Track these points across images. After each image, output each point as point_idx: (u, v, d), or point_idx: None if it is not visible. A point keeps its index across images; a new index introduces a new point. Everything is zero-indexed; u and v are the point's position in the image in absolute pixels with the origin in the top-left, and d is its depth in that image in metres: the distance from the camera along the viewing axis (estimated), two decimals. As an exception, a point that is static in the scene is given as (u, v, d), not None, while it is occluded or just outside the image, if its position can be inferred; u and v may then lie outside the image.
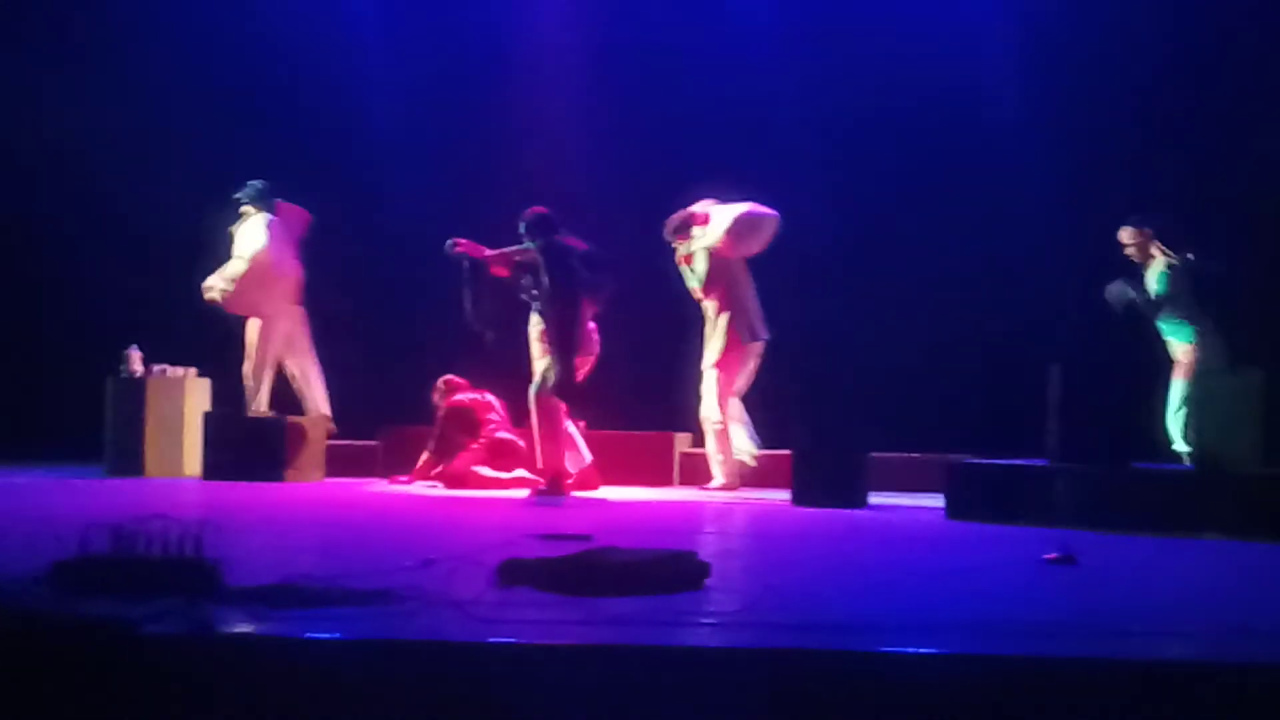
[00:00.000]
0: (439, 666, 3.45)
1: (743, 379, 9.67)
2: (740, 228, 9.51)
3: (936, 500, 8.09)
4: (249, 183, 10.32)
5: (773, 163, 11.38)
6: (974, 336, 10.98)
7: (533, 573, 4.33)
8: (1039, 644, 3.73)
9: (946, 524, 7.59)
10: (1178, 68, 10.89)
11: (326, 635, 3.55)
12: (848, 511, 8.24)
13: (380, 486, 9.66)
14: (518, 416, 9.78)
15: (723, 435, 9.54)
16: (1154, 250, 9.16)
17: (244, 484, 9.26)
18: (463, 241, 9.41)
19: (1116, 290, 9.11)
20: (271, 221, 10.26)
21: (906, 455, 9.82)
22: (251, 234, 10.21)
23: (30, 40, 11.99)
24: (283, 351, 10.31)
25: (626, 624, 3.76)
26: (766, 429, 9.97)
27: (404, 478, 9.84)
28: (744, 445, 9.63)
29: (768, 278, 10.21)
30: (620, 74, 11.82)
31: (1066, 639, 3.83)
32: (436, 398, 10.15)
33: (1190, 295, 9.06)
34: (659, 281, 10.32)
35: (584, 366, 9.35)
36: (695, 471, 10.20)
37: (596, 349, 9.44)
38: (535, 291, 9.31)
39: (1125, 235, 9.26)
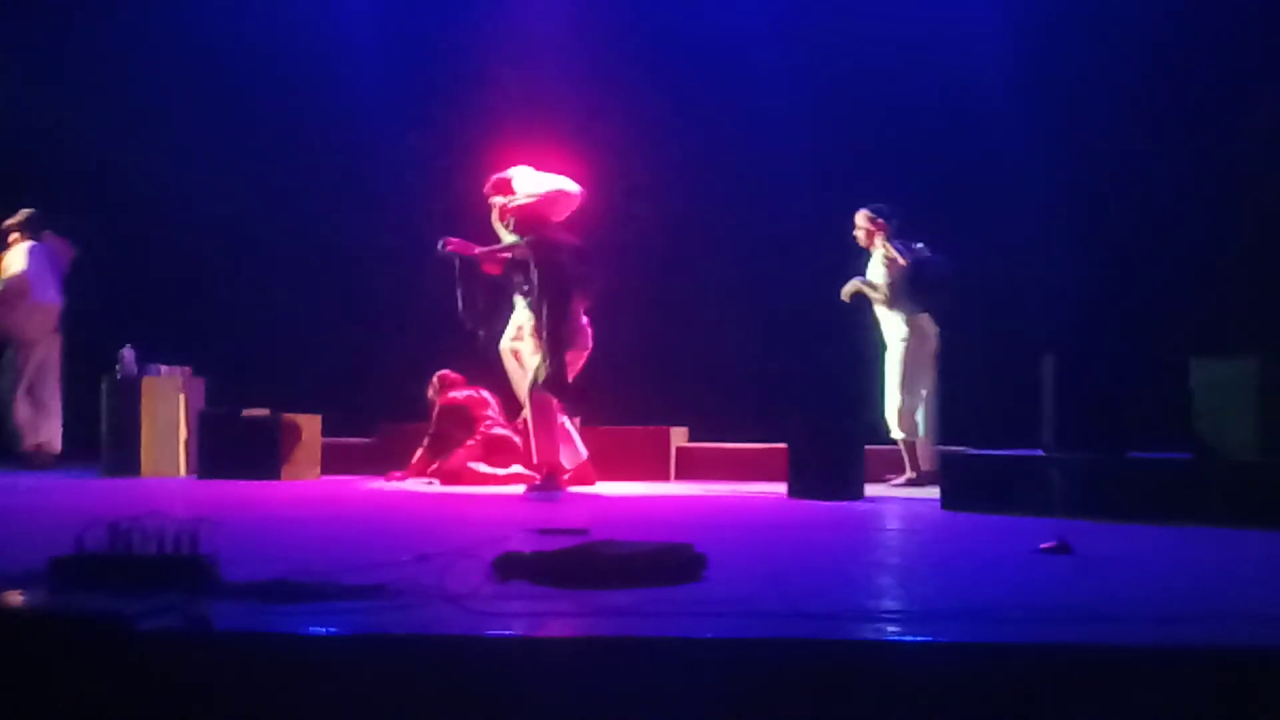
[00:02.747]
0: (436, 661, 3.44)
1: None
2: (551, 196, 9.69)
3: (932, 491, 8.09)
4: (20, 210, 10.49)
5: (764, 155, 11.40)
6: (967, 327, 10.97)
7: (529, 566, 4.33)
8: (1035, 630, 3.73)
9: (943, 515, 7.59)
10: (1170, 56, 10.89)
11: (323, 630, 3.54)
12: (844, 503, 8.25)
13: (376, 484, 9.65)
14: (512, 412, 9.77)
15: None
16: (878, 241, 9.65)
17: (240, 482, 9.25)
18: (453, 240, 9.40)
19: (850, 286, 9.67)
20: (34, 249, 10.45)
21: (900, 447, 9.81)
22: (13, 260, 10.37)
23: (16, 39, 11.96)
24: (33, 378, 10.45)
25: (624, 615, 3.75)
26: (761, 421, 9.99)
27: (399, 474, 9.84)
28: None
29: (760, 269, 10.22)
30: (613, 67, 11.82)
31: (1061, 625, 3.83)
32: (431, 394, 10.15)
33: (906, 286, 9.41)
34: (651, 274, 10.32)
35: (577, 362, 9.34)
36: (692, 465, 10.21)
37: (589, 344, 9.44)
38: (526, 288, 9.31)
39: (859, 218, 9.75)
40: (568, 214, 9.70)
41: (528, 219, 9.28)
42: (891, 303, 9.66)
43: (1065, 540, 5.47)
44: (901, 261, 9.56)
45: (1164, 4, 10.99)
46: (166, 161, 11.68)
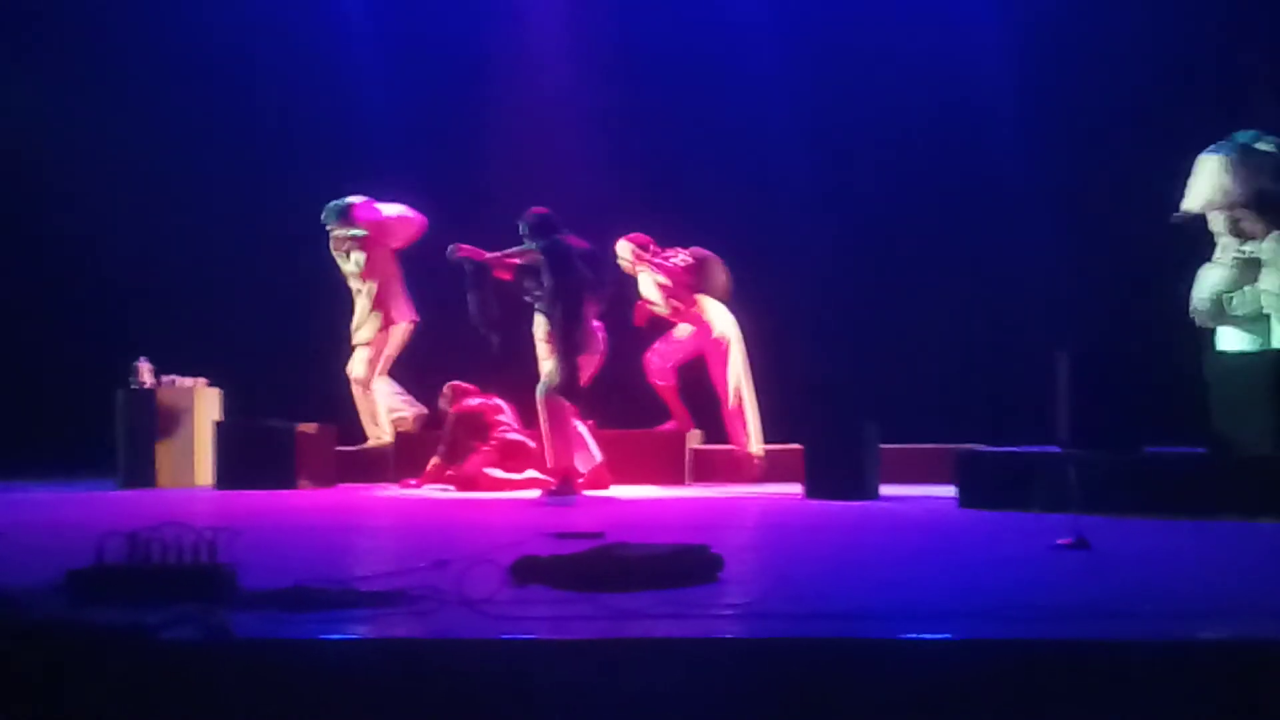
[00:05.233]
0: (455, 665, 3.45)
1: (390, 353, 10.60)
2: (391, 225, 10.50)
3: (947, 490, 8.09)
4: None
5: (772, 154, 11.41)
6: (976, 324, 10.98)
7: (546, 570, 4.34)
8: (1052, 627, 3.73)
9: (959, 513, 7.59)
10: (1175, 58, 10.86)
11: (342, 636, 3.56)
12: (860, 503, 8.25)
13: (391, 491, 9.67)
14: (526, 418, 9.79)
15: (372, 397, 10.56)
16: (641, 266, 10.07)
17: (257, 491, 9.27)
18: (464, 246, 9.42)
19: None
20: None
21: (915, 446, 9.81)
22: None
23: (31, 53, 12.01)
24: None
25: (641, 617, 3.76)
26: (774, 422, 10.00)
27: (414, 481, 9.86)
28: (397, 406, 10.60)
29: (775, 269, 10.22)
30: (618, 73, 11.83)
31: (1078, 621, 3.83)
32: (444, 403, 10.16)
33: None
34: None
35: (590, 366, 9.36)
36: (709, 468, 10.22)
37: (603, 348, 9.46)
38: (538, 293, 9.33)
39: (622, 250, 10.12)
40: (408, 242, 10.52)
41: (537, 222, 9.31)
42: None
43: (1083, 536, 5.47)
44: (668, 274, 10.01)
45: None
46: (176, 168, 11.71)
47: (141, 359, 10.21)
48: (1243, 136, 8.40)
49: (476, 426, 9.86)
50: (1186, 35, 10.86)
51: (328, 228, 10.58)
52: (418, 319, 10.67)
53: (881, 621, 3.84)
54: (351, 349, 10.65)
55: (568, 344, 9.13)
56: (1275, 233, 8.18)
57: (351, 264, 10.55)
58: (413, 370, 10.88)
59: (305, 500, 8.89)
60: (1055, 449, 7.74)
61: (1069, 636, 3.58)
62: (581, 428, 9.42)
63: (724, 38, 11.85)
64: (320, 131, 11.93)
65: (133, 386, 10.18)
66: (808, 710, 3.39)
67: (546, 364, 9.34)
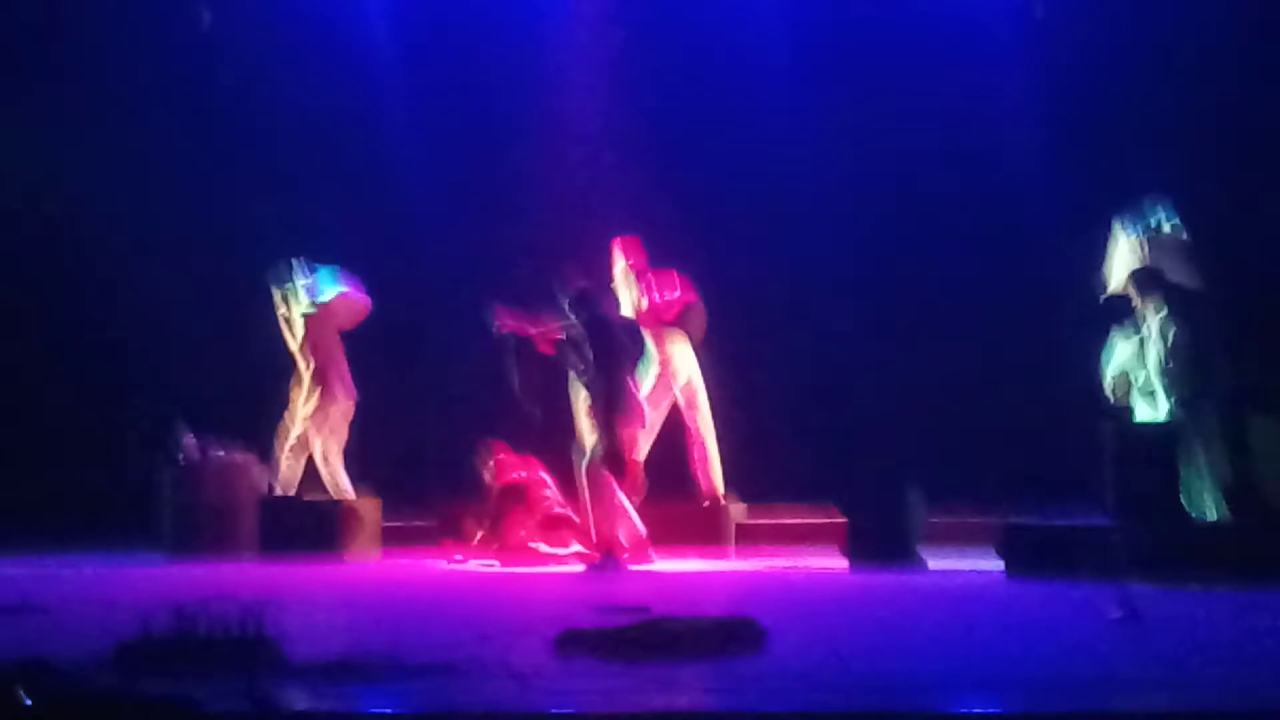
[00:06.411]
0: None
1: (336, 430, 10.34)
2: (337, 305, 10.38)
3: (987, 557, 8.06)
4: None
5: (798, 213, 11.45)
6: (1011, 388, 10.87)
7: (592, 642, 4.33)
8: (1097, 699, 3.69)
9: (1006, 583, 7.54)
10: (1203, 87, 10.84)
11: (387, 710, 3.57)
12: (906, 574, 8.20)
13: (437, 564, 9.66)
14: (567, 488, 9.79)
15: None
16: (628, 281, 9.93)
17: (302, 565, 9.29)
18: (508, 319, 9.45)
19: None
20: None
21: (958, 519, 9.75)
22: None
23: (43, 104, 12.15)
24: None
25: (686, 690, 3.75)
26: (816, 486, 9.98)
27: (460, 556, 9.85)
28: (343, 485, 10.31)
29: (808, 338, 10.20)
30: (620, 100, 11.88)
31: (1124, 694, 3.80)
32: (486, 474, 10.17)
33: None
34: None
35: (635, 438, 9.35)
36: (750, 536, 10.20)
37: (644, 418, 9.45)
38: (582, 366, 9.36)
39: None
40: (354, 323, 10.42)
41: (581, 297, 9.36)
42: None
43: (1133, 607, 5.42)
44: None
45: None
46: (205, 232, 11.80)
47: (186, 434, 10.26)
48: (1149, 208, 8.60)
49: (521, 499, 9.86)
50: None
51: (282, 294, 10.41)
52: (356, 397, 10.44)
53: (926, 694, 3.81)
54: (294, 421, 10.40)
55: (611, 417, 9.14)
56: (1154, 305, 8.27)
57: (293, 337, 10.41)
58: (456, 436, 10.85)
59: (351, 573, 8.90)
60: (1101, 520, 7.70)
61: (1117, 708, 3.54)
62: (624, 500, 9.41)
63: (758, 66, 11.86)
64: (355, 195, 11.99)
65: (179, 460, 10.23)
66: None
67: (589, 437, 9.35)
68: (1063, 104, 11.14)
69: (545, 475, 10.05)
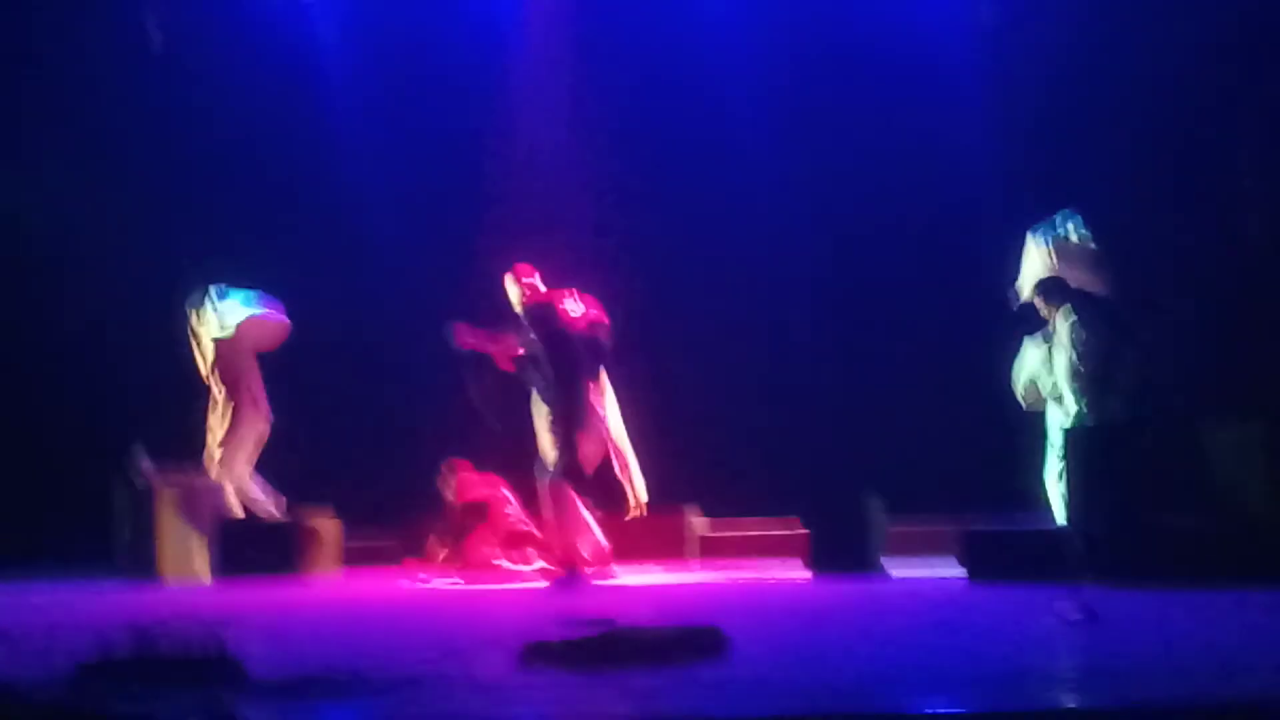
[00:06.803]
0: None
1: (245, 450, 10.37)
2: (248, 328, 10.40)
3: (952, 566, 8.10)
4: None
5: (757, 227, 11.50)
6: (960, 392, 10.91)
7: (556, 653, 4.33)
8: (1059, 697, 3.72)
9: (968, 589, 7.59)
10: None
11: (353, 724, 3.55)
12: (868, 582, 8.23)
13: (400, 583, 9.62)
14: (529, 505, 9.78)
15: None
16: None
17: (262, 585, 9.23)
18: (466, 336, 9.43)
19: None
20: None
21: (918, 526, 9.79)
22: None
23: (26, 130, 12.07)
24: None
25: (652, 696, 3.75)
26: (776, 495, 10.01)
27: (424, 575, 9.80)
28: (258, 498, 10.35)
29: (765, 350, 10.23)
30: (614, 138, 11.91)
31: (1085, 691, 3.82)
32: (446, 491, 10.14)
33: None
34: (654, 348, 10.42)
35: (595, 452, 9.35)
36: (712, 547, 10.23)
37: (605, 431, 9.45)
38: (543, 383, 9.34)
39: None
40: (273, 345, 10.42)
41: (537, 312, 9.35)
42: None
43: (1090, 608, 5.47)
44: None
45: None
46: (148, 247, 11.73)
47: (141, 456, 10.19)
48: (1060, 220, 8.78)
49: (483, 516, 9.84)
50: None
51: (194, 316, 10.38)
52: (270, 419, 10.42)
53: (888, 695, 3.82)
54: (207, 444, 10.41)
55: (571, 431, 9.14)
56: (1061, 312, 8.44)
57: (203, 358, 10.40)
58: (410, 452, 10.83)
59: (311, 592, 8.85)
60: (1056, 524, 7.78)
61: (1077, 706, 3.57)
62: (586, 513, 9.40)
63: (725, 70, 11.88)
64: (316, 200, 11.95)
65: (135, 482, 10.16)
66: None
67: (550, 452, 9.33)
68: (1015, 109, 11.24)
69: (507, 492, 10.04)
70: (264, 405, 10.42)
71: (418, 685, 3.98)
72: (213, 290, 10.43)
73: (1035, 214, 9.37)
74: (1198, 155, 10.94)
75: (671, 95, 11.91)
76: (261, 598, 8.32)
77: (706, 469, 10.40)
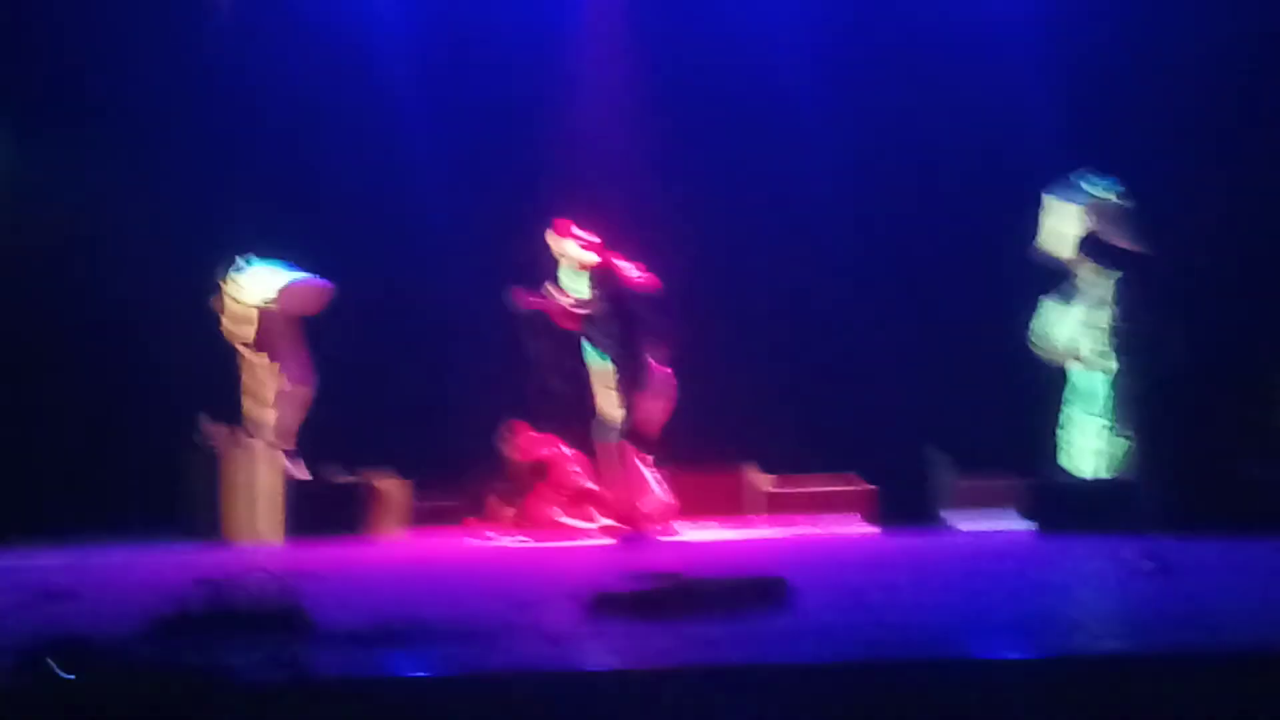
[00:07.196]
0: (534, 698, 3.47)
1: (288, 413, 10.55)
2: (289, 295, 10.54)
3: (1015, 520, 8.09)
4: None
5: (821, 167, 11.46)
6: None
7: (624, 604, 4.36)
8: (1127, 643, 3.70)
9: (1035, 540, 7.57)
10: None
11: (421, 673, 3.59)
12: (932, 534, 8.22)
13: (466, 542, 9.70)
14: (591, 462, 9.83)
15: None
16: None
17: (330, 545, 9.33)
18: (528, 296, 9.46)
19: None
20: None
21: (978, 480, 9.75)
22: None
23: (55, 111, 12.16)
24: None
25: (718, 645, 3.77)
26: (842, 452, 9.99)
27: (490, 534, 9.88)
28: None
29: (828, 309, 10.22)
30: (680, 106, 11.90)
31: (1153, 636, 3.81)
32: (507, 450, 10.21)
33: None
34: (719, 307, 10.40)
35: (658, 411, 9.38)
36: (776, 504, 10.24)
37: (672, 392, 9.47)
38: (607, 341, 9.37)
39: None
40: (315, 309, 10.50)
41: (600, 272, 9.38)
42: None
43: (1161, 558, 5.44)
44: None
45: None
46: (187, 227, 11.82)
47: (205, 419, 10.31)
48: (1089, 183, 8.77)
49: (546, 476, 9.92)
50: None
51: (228, 287, 10.53)
52: (314, 383, 10.61)
53: (954, 642, 3.82)
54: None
55: (633, 391, 9.18)
56: (1104, 272, 8.48)
57: (237, 328, 10.52)
58: (480, 414, 10.88)
59: (379, 551, 8.95)
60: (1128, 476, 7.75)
61: (1142, 651, 3.56)
62: (648, 472, 9.44)
63: (775, 48, 11.84)
64: (375, 165, 12.00)
65: (200, 445, 10.28)
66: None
67: (614, 411, 9.36)
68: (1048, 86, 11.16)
69: (566, 449, 10.09)
70: (308, 370, 10.59)
71: (485, 635, 4.01)
72: (242, 261, 10.58)
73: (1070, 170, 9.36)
74: (1235, 116, 10.80)
75: (713, 55, 11.88)
76: (330, 556, 8.41)
77: (767, 428, 10.39)
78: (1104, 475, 8.25)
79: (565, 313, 9.50)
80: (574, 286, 9.49)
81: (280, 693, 3.48)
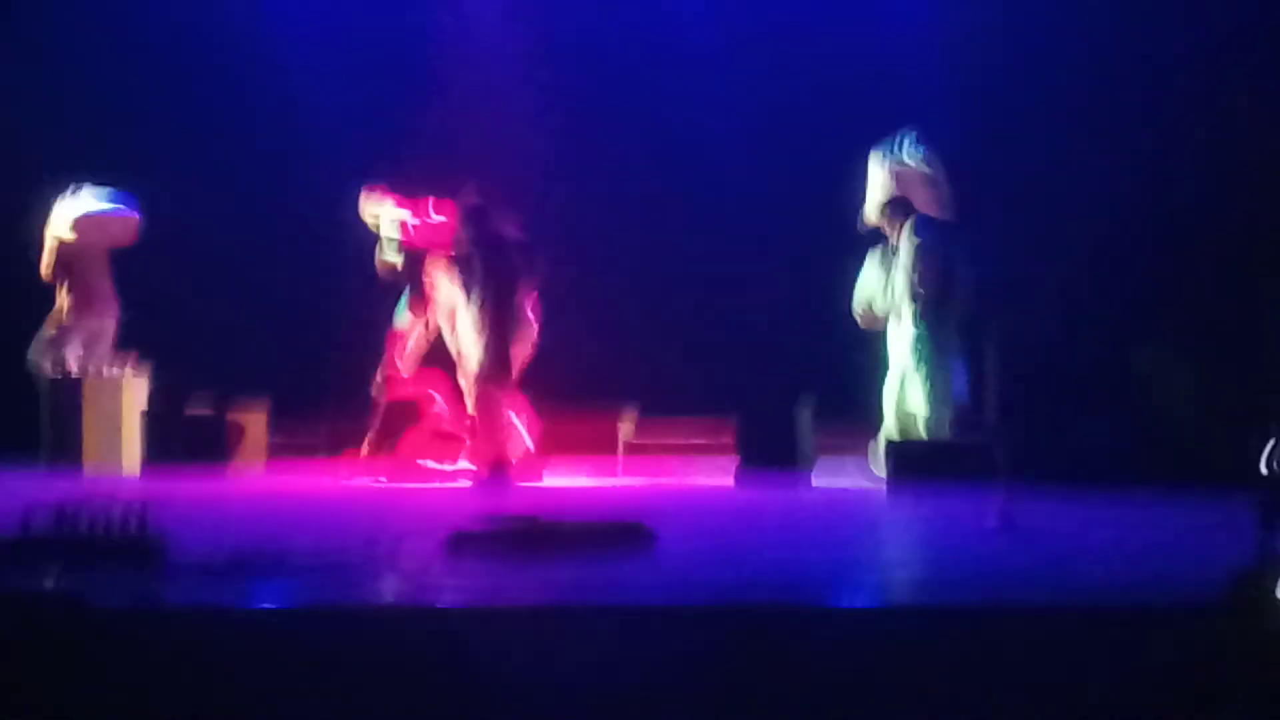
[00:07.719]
0: (388, 631, 3.46)
1: (93, 344, 10.13)
2: (84, 225, 10.13)
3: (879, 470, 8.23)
4: None
5: (709, 130, 11.46)
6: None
7: (481, 542, 4.35)
8: (972, 595, 3.79)
9: (889, 496, 7.70)
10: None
11: (272, 605, 3.56)
12: (793, 488, 8.31)
13: (322, 477, 9.60)
14: (458, 405, 9.77)
15: None
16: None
17: (185, 475, 9.17)
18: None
19: None
20: None
21: (844, 429, 9.88)
22: None
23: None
24: None
25: (574, 587, 3.79)
26: (708, 397, 10.05)
27: (347, 471, 9.78)
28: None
29: (707, 245, 10.25)
30: (563, 56, 11.82)
31: (1004, 590, 3.90)
32: (374, 389, 10.11)
33: None
34: (593, 255, 10.40)
35: (521, 355, 9.35)
36: (643, 450, 10.28)
37: (535, 338, 9.45)
38: (474, 286, 9.31)
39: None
40: (125, 241, 10.08)
41: (473, 216, 9.32)
42: None
43: (1008, 512, 5.56)
44: None
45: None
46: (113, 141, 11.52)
47: (66, 346, 10.07)
48: (899, 140, 8.81)
49: (409, 415, 9.82)
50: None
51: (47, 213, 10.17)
52: (118, 314, 10.25)
53: (807, 590, 3.88)
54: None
55: (499, 333, 9.12)
56: (905, 233, 8.56)
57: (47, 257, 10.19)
58: (341, 350, 10.76)
59: (236, 485, 8.83)
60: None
61: (993, 602, 3.64)
62: (513, 416, 9.40)
63: (675, 31, 11.82)
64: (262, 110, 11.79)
65: (57, 374, 10.04)
66: (738, 674, 3.42)
67: (476, 354, 9.31)
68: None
69: (435, 393, 10.01)
70: (109, 301, 10.23)
71: (340, 569, 3.99)
72: (69, 190, 10.20)
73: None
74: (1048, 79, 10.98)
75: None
76: (185, 487, 8.27)
77: (638, 371, 10.40)
78: (925, 435, 8.39)
79: (424, 229, 9.46)
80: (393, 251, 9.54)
81: (128, 619, 3.44)
